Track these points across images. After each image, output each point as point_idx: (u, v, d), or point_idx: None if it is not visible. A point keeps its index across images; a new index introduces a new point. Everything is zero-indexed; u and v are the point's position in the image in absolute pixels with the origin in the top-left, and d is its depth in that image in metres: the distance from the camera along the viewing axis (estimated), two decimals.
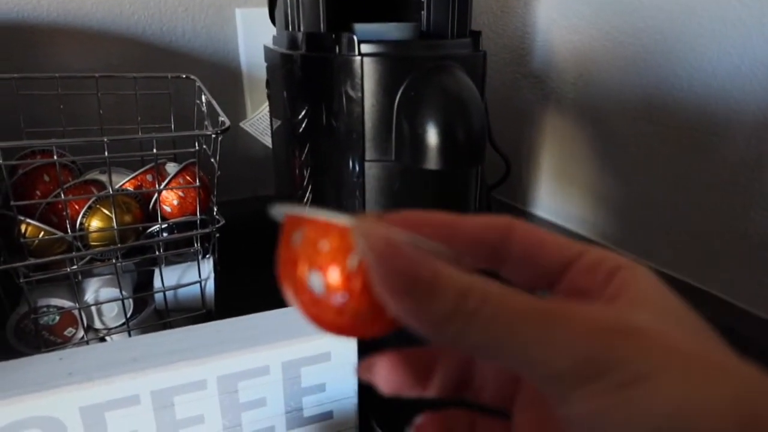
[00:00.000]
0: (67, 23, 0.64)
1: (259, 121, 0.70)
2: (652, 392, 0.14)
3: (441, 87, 0.40)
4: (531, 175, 0.74)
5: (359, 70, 0.40)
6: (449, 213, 0.19)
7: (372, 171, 0.43)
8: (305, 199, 0.49)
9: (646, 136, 0.59)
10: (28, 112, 0.57)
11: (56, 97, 0.57)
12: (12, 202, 0.45)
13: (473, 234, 0.19)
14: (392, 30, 0.44)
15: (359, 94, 0.40)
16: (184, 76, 0.62)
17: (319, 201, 0.47)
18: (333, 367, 0.42)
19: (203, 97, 0.58)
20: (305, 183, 0.48)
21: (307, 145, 0.46)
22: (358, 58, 0.40)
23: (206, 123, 0.57)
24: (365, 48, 0.40)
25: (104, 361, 0.37)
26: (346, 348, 0.42)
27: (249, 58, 0.73)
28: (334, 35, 0.41)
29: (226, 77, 0.73)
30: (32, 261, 0.47)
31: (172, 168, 0.56)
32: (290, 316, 0.43)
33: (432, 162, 0.39)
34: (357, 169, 0.43)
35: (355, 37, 0.40)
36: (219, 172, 0.54)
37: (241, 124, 0.71)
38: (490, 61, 0.78)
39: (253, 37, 0.72)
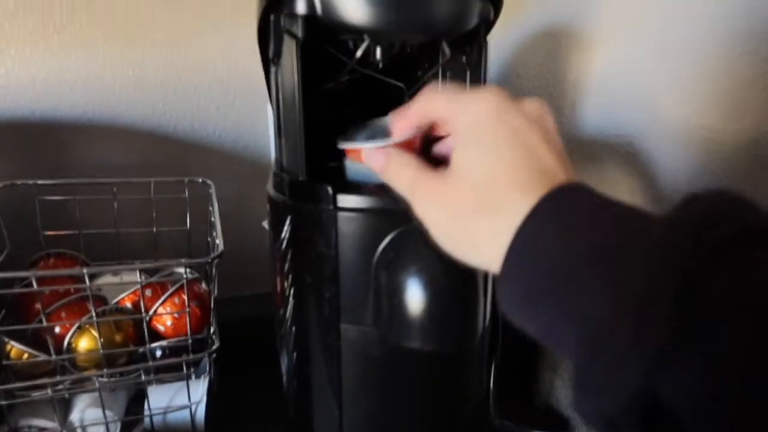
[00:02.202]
0: (101, 122, 0.65)
1: None
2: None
3: (425, 249, 0.34)
4: None
5: (332, 226, 0.35)
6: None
7: (349, 333, 0.37)
8: (285, 321, 0.44)
9: None
10: (47, 214, 0.58)
11: (75, 201, 0.58)
12: None
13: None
14: None
15: (333, 252, 0.36)
16: (200, 180, 0.60)
17: (298, 334, 0.42)
18: None
19: (216, 205, 0.56)
20: (287, 304, 0.43)
21: (288, 266, 0.41)
22: (332, 211, 0.35)
23: (214, 234, 0.55)
24: (342, 200, 0.35)
25: None
26: None
27: None
28: (310, 184, 0.37)
29: (256, 173, 0.72)
30: (11, 386, 0.46)
31: (181, 277, 0.54)
32: None
33: (411, 340, 0.33)
34: (332, 330, 0.38)
35: (329, 189, 0.35)
36: (215, 294, 0.51)
37: (263, 223, 0.68)
38: None
39: None
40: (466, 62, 0.41)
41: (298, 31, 0.36)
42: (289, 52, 0.37)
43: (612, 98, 0.60)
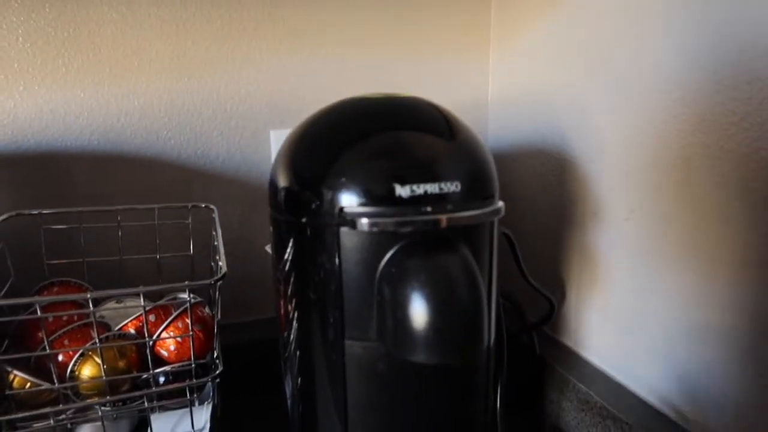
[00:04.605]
0: (108, 151, 0.66)
1: None
2: None
3: (426, 264, 0.34)
4: (580, 312, 0.65)
5: (336, 242, 0.35)
6: None
7: (353, 350, 0.37)
8: (290, 343, 0.43)
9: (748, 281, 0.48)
10: (51, 243, 0.58)
11: (79, 229, 0.58)
12: None
13: None
14: None
15: (336, 268, 0.36)
16: (203, 205, 0.61)
17: (303, 354, 0.42)
18: None
19: (219, 229, 0.57)
20: (290, 327, 0.43)
21: (291, 290, 0.41)
22: (336, 227, 0.35)
23: (217, 257, 0.55)
24: (345, 213, 0.35)
25: None
26: None
27: None
28: (309, 194, 0.37)
29: (258, 197, 0.72)
30: (14, 416, 0.45)
31: (184, 301, 0.54)
32: None
33: (413, 353, 0.33)
34: (337, 347, 0.37)
35: (334, 199, 0.35)
36: (219, 317, 0.51)
37: (266, 248, 0.68)
38: (532, 183, 0.71)
39: None
40: None
41: None
42: None
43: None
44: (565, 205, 0.66)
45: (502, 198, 0.45)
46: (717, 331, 0.48)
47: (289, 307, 0.42)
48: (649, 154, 0.54)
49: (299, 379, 0.42)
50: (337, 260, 0.36)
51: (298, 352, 0.42)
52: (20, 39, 0.61)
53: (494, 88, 0.80)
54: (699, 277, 0.50)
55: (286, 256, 0.40)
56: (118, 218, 0.59)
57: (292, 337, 0.42)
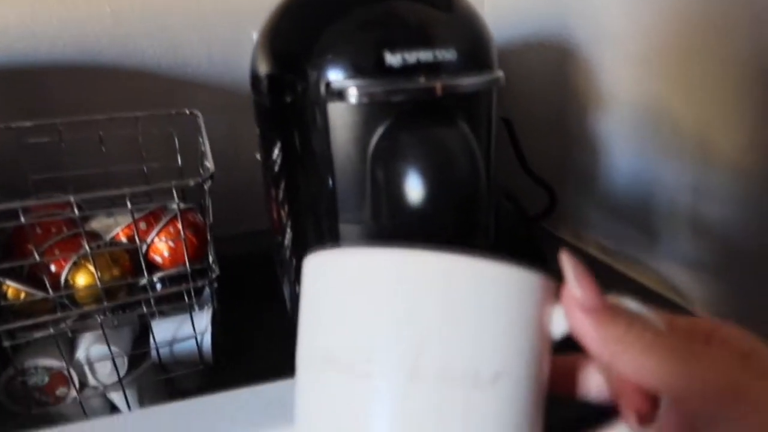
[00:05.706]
0: (83, 62, 0.63)
1: None
2: None
3: (420, 136, 0.32)
4: (579, 204, 0.64)
5: (324, 117, 0.33)
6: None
7: (347, 233, 0.36)
8: (285, 245, 0.43)
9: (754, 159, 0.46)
10: (34, 158, 0.56)
11: (60, 142, 0.56)
12: None
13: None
14: None
15: (326, 147, 0.34)
16: (187, 112, 0.58)
17: (299, 251, 0.41)
18: None
19: (205, 134, 0.54)
20: (284, 231, 0.42)
21: (283, 192, 0.40)
22: (323, 102, 0.33)
23: (205, 162, 0.53)
24: (332, 87, 0.33)
25: None
26: None
27: None
28: (292, 72, 0.34)
29: (245, 105, 0.69)
30: (11, 325, 0.45)
31: (174, 209, 0.53)
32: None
33: (409, 230, 0.32)
34: (332, 231, 0.36)
35: (320, 74, 0.33)
36: (211, 220, 0.50)
37: (257, 156, 0.66)
38: (535, 75, 0.68)
39: None
40: None
41: None
42: None
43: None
44: (565, 95, 0.63)
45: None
46: (719, 217, 0.47)
47: (282, 211, 0.40)
48: (655, 41, 0.51)
49: (295, 275, 0.42)
50: (327, 139, 0.34)
51: (293, 251, 0.41)
52: None
53: None
54: (702, 165, 0.48)
55: (276, 149, 0.38)
56: (100, 133, 0.56)
57: (287, 237, 0.41)
